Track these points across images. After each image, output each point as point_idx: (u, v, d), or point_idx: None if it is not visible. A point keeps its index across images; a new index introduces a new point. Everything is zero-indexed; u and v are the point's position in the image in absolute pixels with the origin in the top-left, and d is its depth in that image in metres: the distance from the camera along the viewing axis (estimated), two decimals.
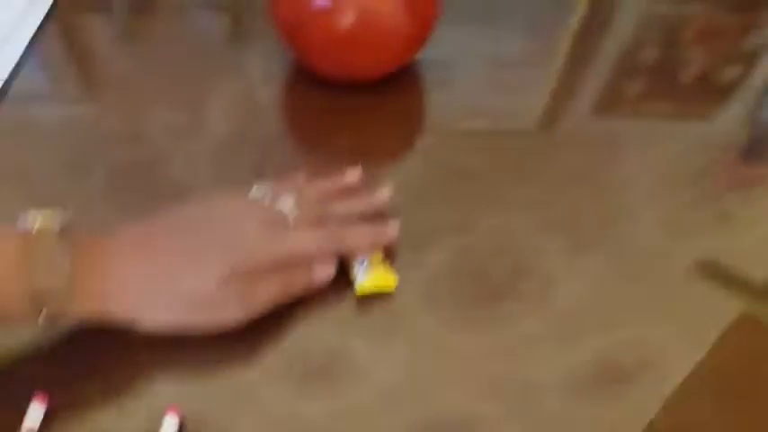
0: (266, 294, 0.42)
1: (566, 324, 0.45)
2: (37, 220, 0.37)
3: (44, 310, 0.36)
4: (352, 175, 0.50)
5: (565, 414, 0.41)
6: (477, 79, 0.62)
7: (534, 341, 0.44)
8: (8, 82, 0.57)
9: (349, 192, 0.49)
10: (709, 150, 0.57)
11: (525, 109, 0.60)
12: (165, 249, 0.40)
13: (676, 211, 0.52)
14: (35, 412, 0.38)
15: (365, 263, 0.45)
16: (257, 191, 0.45)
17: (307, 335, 0.44)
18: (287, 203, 0.44)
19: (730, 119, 0.60)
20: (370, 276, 0.45)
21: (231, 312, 0.40)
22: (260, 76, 0.60)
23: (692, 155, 0.56)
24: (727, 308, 0.47)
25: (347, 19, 0.52)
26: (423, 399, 0.41)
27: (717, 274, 0.49)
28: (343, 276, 0.45)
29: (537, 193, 0.53)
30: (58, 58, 0.61)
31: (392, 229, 0.46)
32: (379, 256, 0.46)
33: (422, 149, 0.56)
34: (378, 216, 0.48)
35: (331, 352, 0.43)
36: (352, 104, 0.58)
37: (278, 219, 0.43)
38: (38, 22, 0.62)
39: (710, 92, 0.62)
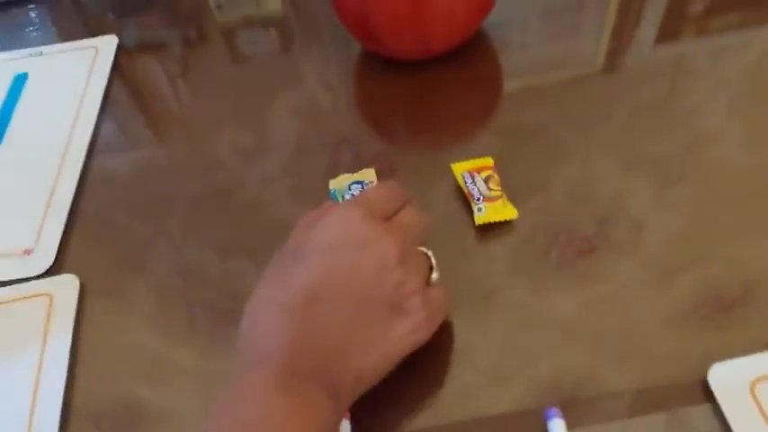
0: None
1: (663, 262, 0.44)
2: None
3: None
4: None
5: (677, 352, 0.40)
6: (537, 33, 0.61)
7: (633, 287, 0.43)
8: (92, 139, 0.60)
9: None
10: None
11: (588, 53, 0.58)
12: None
13: (759, 123, 0.50)
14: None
15: (481, 199, 0.48)
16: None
17: None
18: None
19: None
20: (489, 208, 0.47)
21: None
22: (318, 81, 0.62)
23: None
24: None
25: None
26: (528, 366, 0.41)
27: None
28: None
29: (611, 135, 0.52)
30: (126, 109, 0.64)
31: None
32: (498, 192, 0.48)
33: (492, 114, 0.56)
34: None
35: None
36: (413, 84, 0.59)
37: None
38: (104, 83, 0.65)
39: None
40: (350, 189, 0.50)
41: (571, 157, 0.51)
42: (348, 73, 0.62)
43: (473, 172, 0.50)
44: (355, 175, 0.52)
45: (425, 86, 0.58)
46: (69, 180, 0.57)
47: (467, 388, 0.41)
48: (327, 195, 0.51)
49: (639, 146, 0.51)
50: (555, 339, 0.42)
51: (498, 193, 0.48)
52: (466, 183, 0.49)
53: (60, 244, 0.52)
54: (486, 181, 0.49)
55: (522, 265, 0.45)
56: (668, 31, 0.58)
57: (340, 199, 0.50)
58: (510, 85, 0.58)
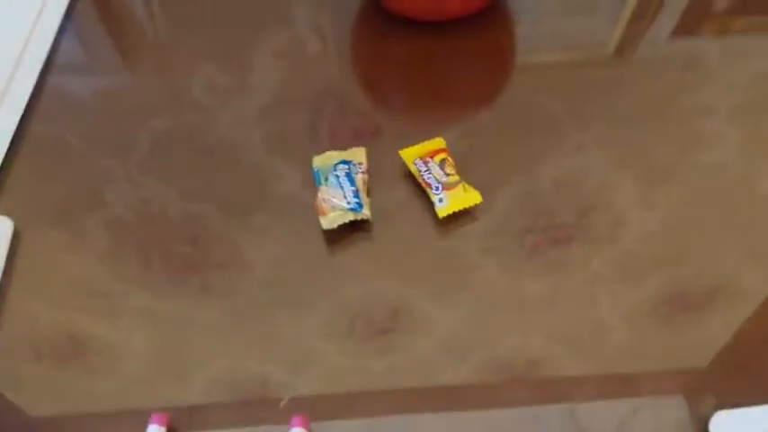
0: None
1: (635, 258, 0.43)
2: None
3: None
4: None
5: (633, 348, 0.40)
6: (554, 5, 0.58)
7: (602, 279, 0.43)
8: (50, 55, 0.55)
9: None
10: None
11: (602, 35, 0.55)
12: None
13: (758, 133, 0.49)
14: None
15: (440, 188, 0.44)
16: None
17: (369, 291, 0.42)
18: None
19: None
20: (450, 197, 0.44)
21: None
22: (310, 24, 0.57)
23: None
24: None
25: None
26: (488, 344, 0.40)
27: None
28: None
29: (610, 127, 0.49)
30: (93, 27, 0.58)
31: None
32: (456, 177, 0.45)
33: (494, 90, 0.52)
34: None
35: (395, 305, 0.42)
36: (417, 46, 0.55)
37: None
38: None
39: None
40: (335, 169, 0.45)
41: (564, 144, 0.49)
42: (345, 22, 0.57)
43: (425, 158, 0.46)
44: (343, 153, 0.46)
45: (430, 51, 0.54)
46: (19, 96, 0.52)
47: (424, 357, 0.40)
48: (303, 148, 0.48)
49: (635, 140, 0.49)
50: (516, 320, 0.41)
51: (456, 177, 0.44)
52: (420, 172, 0.45)
53: (0, 169, 0.48)
54: (441, 166, 0.45)
55: (495, 245, 0.44)
56: (687, 25, 0.56)
57: (323, 180, 0.45)
58: (518, 60, 0.54)
